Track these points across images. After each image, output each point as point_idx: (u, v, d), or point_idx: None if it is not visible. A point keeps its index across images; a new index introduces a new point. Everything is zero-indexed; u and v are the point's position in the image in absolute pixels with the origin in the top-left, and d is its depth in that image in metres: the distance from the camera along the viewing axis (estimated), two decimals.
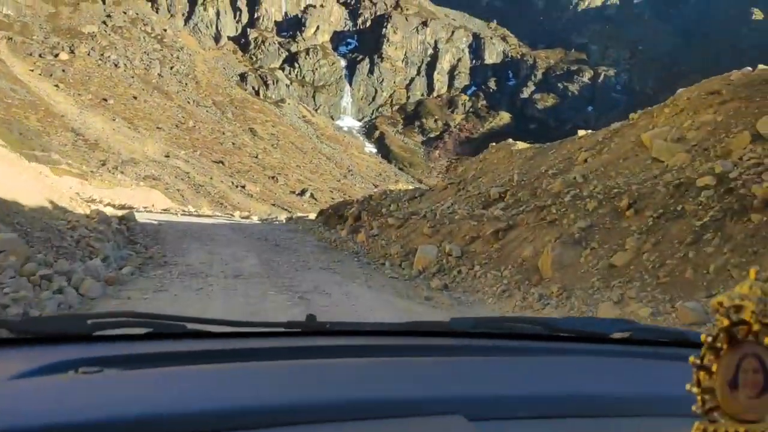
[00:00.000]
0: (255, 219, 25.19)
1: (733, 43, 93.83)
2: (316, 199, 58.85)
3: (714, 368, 0.67)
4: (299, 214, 28.42)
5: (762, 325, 0.73)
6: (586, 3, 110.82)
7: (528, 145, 19.26)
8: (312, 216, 23.07)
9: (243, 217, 25.35)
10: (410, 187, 27.79)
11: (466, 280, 9.66)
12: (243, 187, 54.47)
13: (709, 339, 0.68)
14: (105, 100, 69.55)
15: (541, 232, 9.64)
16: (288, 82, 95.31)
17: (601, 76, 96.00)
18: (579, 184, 10.86)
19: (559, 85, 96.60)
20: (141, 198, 39.58)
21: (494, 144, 21.18)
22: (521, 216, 10.58)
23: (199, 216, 24.28)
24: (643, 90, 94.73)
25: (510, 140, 20.77)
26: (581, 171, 11.75)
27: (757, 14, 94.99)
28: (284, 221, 22.93)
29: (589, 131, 16.31)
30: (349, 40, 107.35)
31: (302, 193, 59.65)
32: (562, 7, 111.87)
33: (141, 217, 16.83)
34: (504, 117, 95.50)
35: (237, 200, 49.56)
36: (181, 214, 24.12)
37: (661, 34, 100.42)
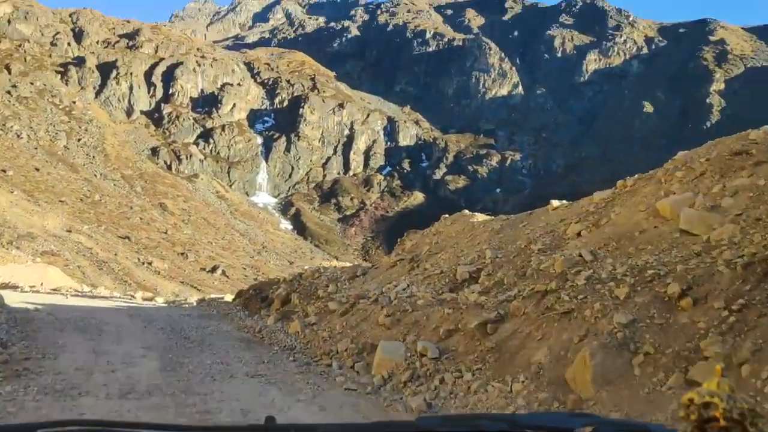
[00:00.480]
0: (160, 301, 23.10)
1: (627, 131, 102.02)
2: (227, 277, 57.19)
3: None
4: (213, 296, 26.58)
5: (731, 421, 0.83)
6: (493, 92, 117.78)
7: (488, 217, 17.52)
8: (228, 297, 21.30)
9: (146, 299, 22.94)
10: (346, 264, 25.89)
11: (456, 395, 7.10)
12: (150, 263, 52.20)
13: None
14: (4, 171, 65.89)
15: (553, 326, 7.38)
16: (202, 157, 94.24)
17: (508, 160, 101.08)
18: (588, 262, 8.74)
19: (469, 167, 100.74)
20: (36, 275, 37.04)
21: (447, 216, 19.18)
22: (514, 303, 8.32)
23: (93, 297, 21.25)
24: (547, 173, 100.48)
25: (466, 211, 18.96)
26: (581, 246, 9.77)
27: (648, 107, 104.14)
28: (195, 304, 20.85)
29: (564, 201, 14.57)
30: (266, 118, 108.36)
31: (213, 270, 57.84)
32: (470, 96, 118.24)
33: (16, 300, 14.27)
34: (418, 197, 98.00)
35: (143, 278, 47.31)
36: (72, 296, 21.08)
37: (563, 122, 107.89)
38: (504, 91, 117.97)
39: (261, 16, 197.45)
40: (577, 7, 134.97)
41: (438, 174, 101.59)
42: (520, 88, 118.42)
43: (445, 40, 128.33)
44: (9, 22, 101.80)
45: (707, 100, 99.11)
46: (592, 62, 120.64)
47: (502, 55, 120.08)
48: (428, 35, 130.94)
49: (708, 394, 0.97)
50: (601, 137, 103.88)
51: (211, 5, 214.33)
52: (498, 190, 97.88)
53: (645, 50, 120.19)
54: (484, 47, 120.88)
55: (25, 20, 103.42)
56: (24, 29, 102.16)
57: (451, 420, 1.62)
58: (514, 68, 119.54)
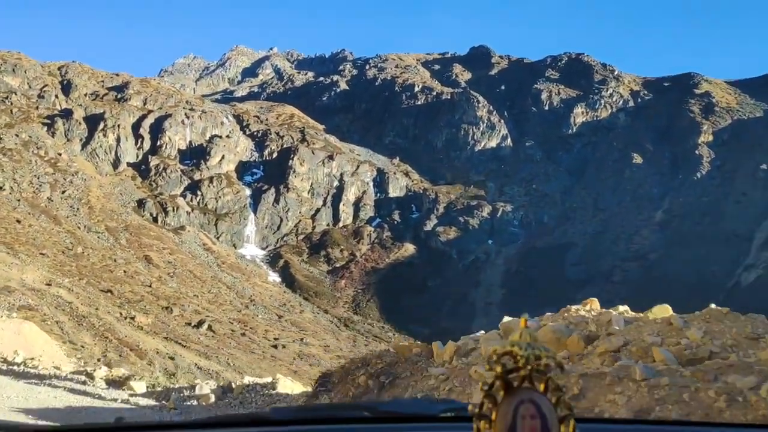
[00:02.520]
0: (140, 388, 14.62)
1: (617, 182, 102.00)
2: (214, 332, 54.77)
3: (493, 416, 0.73)
4: (251, 380, 16.95)
5: (533, 370, 0.87)
6: (482, 144, 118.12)
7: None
8: (286, 384, 14.17)
9: (113, 382, 14.71)
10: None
11: None
12: (132, 318, 49.82)
13: (485, 387, 0.73)
14: None
15: None
16: (189, 209, 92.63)
17: (500, 212, 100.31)
18: None
19: (460, 218, 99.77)
20: (10, 332, 34.75)
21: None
22: None
23: (24, 377, 14.40)
24: (538, 224, 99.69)
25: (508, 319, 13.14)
26: None
27: (637, 158, 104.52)
28: (213, 398, 13.44)
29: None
30: (254, 170, 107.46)
31: (199, 324, 55.43)
32: (459, 147, 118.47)
33: None
34: (408, 248, 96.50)
35: (125, 333, 44.89)
36: None
37: (552, 173, 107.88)
38: (493, 143, 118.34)
39: (250, 72, 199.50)
40: (563, 62, 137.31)
41: (429, 225, 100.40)
42: (509, 140, 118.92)
43: (434, 93, 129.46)
44: None
45: (696, 152, 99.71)
46: (580, 115, 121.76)
47: (491, 108, 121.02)
48: (417, 89, 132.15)
49: (509, 344, 1.04)
50: (591, 188, 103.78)
51: (200, 61, 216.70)
52: (490, 241, 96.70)
53: (631, 103, 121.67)
54: (472, 100, 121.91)
55: (13, 73, 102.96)
56: (11, 81, 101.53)
57: (306, 409, 1.64)
58: (502, 121, 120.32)
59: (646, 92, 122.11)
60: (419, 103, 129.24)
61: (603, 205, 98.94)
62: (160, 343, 45.52)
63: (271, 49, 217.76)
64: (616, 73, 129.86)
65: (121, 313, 50.31)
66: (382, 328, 74.41)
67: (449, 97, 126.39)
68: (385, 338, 69.95)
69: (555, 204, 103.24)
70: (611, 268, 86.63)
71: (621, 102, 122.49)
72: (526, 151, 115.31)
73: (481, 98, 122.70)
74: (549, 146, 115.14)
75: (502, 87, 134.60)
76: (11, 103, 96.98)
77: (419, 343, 15.25)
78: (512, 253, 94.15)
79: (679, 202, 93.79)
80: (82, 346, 38.97)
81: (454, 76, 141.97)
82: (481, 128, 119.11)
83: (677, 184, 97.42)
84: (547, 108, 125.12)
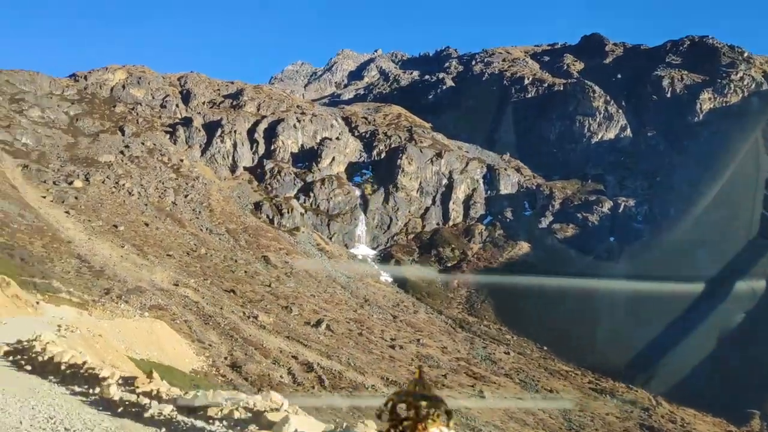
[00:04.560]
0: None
1: (751, 171, 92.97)
2: (332, 331, 54.63)
3: None
4: None
5: (425, 418, 1.09)
6: (599, 136, 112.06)
7: None
8: None
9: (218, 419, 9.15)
10: None
11: None
12: (255, 317, 50.54)
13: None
14: (116, 226, 67.62)
15: None
16: (302, 210, 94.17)
17: (621, 206, 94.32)
18: None
19: (578, 215, 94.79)
20: (142, 331, 35.78)
21: None
22: None
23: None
24: (665, 220, 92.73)
25: None
26: None
27: None
28: None
29: None
30: (364, 170, 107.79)
31: (318, 324, 55.52)
32: (574, 140, 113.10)
33: None
34: (523, 246, 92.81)
35: (249, 332, 45.48)
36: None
37: (678, 164, 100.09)
38: (611, 135, 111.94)
39: (356, 75, 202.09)
40: (685, 46, 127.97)
41: (544, 222, 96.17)
42: (628, 130, 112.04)
43: (545, 85, 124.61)
44: (123, 87, 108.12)
45: None
46: (707, 101, 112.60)
47: (607, 97, 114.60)
48: (527, 81, 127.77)
49: (404, 394, 1.18)
50: (722, 179, 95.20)
51: (308, 66, 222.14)
52: (612, 239, 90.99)
53: (765, 86, 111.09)
54: (587, 90, 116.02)
55: (138, 85, 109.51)
56: (137, 93, 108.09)
57: None
58: (620, 110, 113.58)
59: None
60: (529, 96, 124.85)
61: (737, 197, 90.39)
62: (283, 342, 45.73)
63: (376, 51, 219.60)
64: (745, 54, 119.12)
65: (244, 313, 51.21)
66: (499, 330, 71.58)
67: (562, 89, 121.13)
68: (504, 341, 67.33)
69: (682, 196, 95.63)
70: None
71: (753, 85, 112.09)
72: (647, 142, 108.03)
73: (596, 88, 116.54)
74: (673, 135, 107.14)
75: (618, 76, 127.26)
76: (137, 114, 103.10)
77: None
78: (637, 251, 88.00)
79: None
80: (210, 345, 39.63)
81: (565, 67, 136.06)
82: (598, 119, 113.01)
83: None
84: (669, 95, 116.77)
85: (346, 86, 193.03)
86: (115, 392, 9.25)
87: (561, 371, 58.72)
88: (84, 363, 10.77)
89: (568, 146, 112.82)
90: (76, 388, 10.14)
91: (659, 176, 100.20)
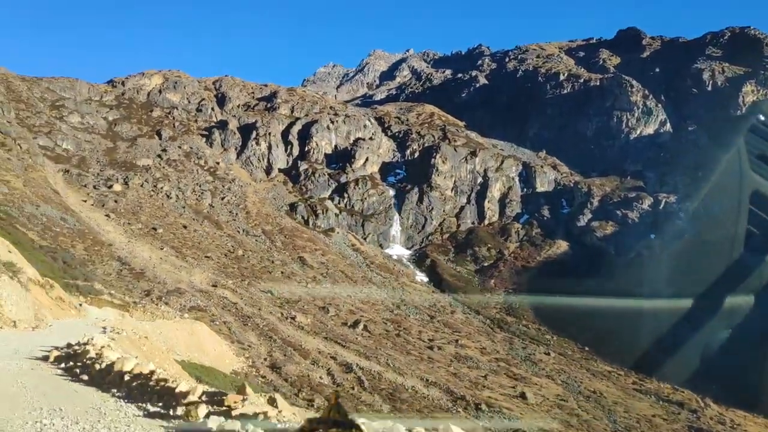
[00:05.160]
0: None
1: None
2: (370, 332, 54.35)
3: None
4: None
5: None
6: (638, 131, 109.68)
7: None
8: None
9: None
10: None
11: None
12: (293, 318, 50.55)
13: None
14: (155, 229, 68.50)
15: None
16: (337, 211, 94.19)
17: (662, 203, 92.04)
18: None
19: (617, 212, 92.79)
20: (183, 333, 35.92)
21: None
22: None
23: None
24: (708, 216, 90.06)
25: None
26: None
27: None
28: None
29: None
30: (397, 170, 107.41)
31: (355, 324, 55.29)
32: (612, 136, 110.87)
33: None
34: (561, 245, 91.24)
35: (287, 333, 45.46)
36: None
37: (721, 159, 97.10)
38: (650, 130, 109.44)
39: (387, 75, 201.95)
40: (725, 38, 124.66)
41: (582, 220, 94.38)
42: (668, 125, 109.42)
43: (581, 81, 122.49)
44: (160, 92, 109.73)
45: None
46: (749, 93, 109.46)
47: (646, 92, 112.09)
48: (562, 77, 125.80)
49: (316, 420, 1.35)
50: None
51: (340, 68, 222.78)
52: (653, 236, 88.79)
53: None
54: (624, 85, 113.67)
55: (174, 89, 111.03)
56: (173, 98, 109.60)
57: None
58: (659, 105, 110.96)
59: None
60: (565, 92, 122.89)
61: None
62: (321, 343, 45.58)
63: (407, 50, 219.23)
64: None
65: (282, 313, 51.26)
66: (539, 330, 70.35)
67: (598, 84, 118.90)
68: (543, 341, 66.16)
69: (726, 192, 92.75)
70: None
71: None
72: (688, 136, 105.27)
73: (634, 82, 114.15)
74: (715, 129, 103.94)
75: (656, 69, 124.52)
76: (173, 118, 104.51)
77: None
78: (679, 248, 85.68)
79: None
80: (249, 346, 39.66)
81: (601, 62, 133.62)
82: (636, 114, 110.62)
83: None
84: (710, 88, 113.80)
85: (378, 87, 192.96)
86: (205, 415, 7.23)
87: (603, 372, 57.43)
88: (152, 373, 9.16)
89: (606, 142, 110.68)
90: (150, 407, 8.11)
91: (701, 171, 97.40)
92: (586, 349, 64.80)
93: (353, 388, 36.97)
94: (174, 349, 31.25)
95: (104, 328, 20.86)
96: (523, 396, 43.16)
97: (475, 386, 43.86)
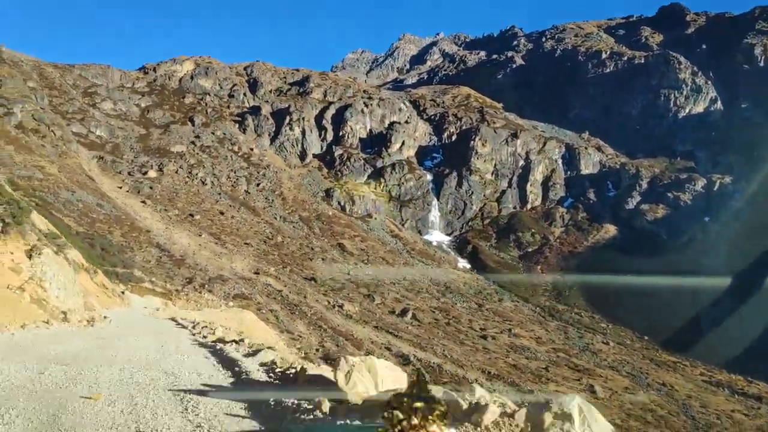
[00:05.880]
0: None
1: None
2: (419, 321, 51.49)
3: None
4: None
5: (424, 420, 1.31)
6: (687, 110, 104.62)
7: None
8: None
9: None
10: None
11: None
12: (341, 306, 47.94)
13: None
14: (192, 215, 66.45)
15: None
16: (374, 196, 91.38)
17: (716, 184, 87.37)
18: None
19: (668, 194, 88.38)
20: (232, 321, 33.52)
21: None
22: None
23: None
24: (765, 197, 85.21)
25: None
26: None
27: None
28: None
29: None
30: (434, 154, 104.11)
31: (403, 313, 52.50)
32: (659, 115, 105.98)
33: None
34: (609, 230, 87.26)
35: (336, 322, 42.83)
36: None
37: None
38: (700, 108, 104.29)
39: (418, 59, 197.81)
40: None
41: (631, 203, 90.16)
42: (719, 103, 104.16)
43: (624, 59, 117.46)
44: (192, 78, 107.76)
45: None
46: None
47: (694, 69, 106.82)
48: (604, 56, 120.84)
49: (402, 397, 1.38)
50: None
51: (369, 54, 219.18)
52: (707, 219, 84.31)
53: None
54: (672, 62, 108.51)
55: (206, 75, 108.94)
56: (205, 84, 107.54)
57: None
58: (709, 82, 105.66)
59: None
60: (608, 70, 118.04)
61: None
62: (372, 332, 42.89)
63: (438, 34, 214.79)
64: None
65: (328, 302, 48.68)
66: (592, 318, 66.81)
67: (643, 62, 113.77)
68: (599, 330, 62.64)
69: None
70: None
71: None
72: (741, 114, 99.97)
73: (682, 59, 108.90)
74: None
75: (703, 46, 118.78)
76: (206, 104, 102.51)
77: None
78: (735, 231, 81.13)
79: None
80: (300, 336, 37.12)
81: (643, 40, 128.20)
82: (685, 92, 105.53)
83: None
84: (762, 64, 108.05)
85: (408, 71, 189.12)
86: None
87: (668, 362, 53.78)
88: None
89: (653, 122, 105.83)
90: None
91: (756, 150, 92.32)
92: (645, 338, 61.15)
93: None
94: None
95: (172, 318, 18.22)
96: (591, 390, 39.95)
97: (538, 379, 40.76)
